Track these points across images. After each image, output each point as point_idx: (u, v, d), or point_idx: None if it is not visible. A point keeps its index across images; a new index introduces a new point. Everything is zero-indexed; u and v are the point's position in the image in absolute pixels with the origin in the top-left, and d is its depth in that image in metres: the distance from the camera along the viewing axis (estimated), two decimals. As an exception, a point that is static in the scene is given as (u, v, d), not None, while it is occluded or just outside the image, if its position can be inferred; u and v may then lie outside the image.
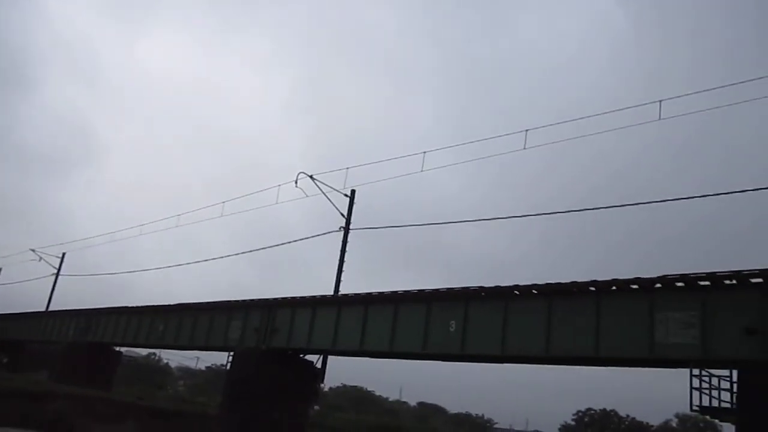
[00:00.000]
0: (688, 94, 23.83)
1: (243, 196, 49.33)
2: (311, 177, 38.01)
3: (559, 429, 70.16)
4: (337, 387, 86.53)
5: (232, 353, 34.04)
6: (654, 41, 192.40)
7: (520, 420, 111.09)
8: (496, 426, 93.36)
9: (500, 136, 30.98)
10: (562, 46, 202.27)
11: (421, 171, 32.73)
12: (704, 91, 23.70)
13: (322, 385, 41.73)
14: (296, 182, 37.89)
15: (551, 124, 27.08)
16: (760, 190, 21.49)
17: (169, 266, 68.97)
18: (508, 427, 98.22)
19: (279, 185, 39.64)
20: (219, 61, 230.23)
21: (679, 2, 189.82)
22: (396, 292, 27.99)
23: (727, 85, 23.17)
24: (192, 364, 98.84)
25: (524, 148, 28.76)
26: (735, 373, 19.01)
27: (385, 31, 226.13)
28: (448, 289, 26.29)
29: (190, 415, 36.69)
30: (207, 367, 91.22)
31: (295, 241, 40.21)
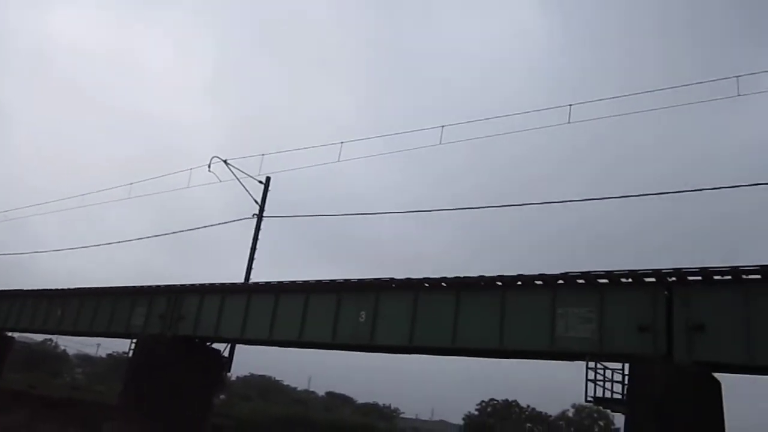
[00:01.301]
0: (594, 100, 24.83)
1: (153, 178, 47.62)
2: (225, 162, 37.18)
3: (463, 419, 72.08)
4: (245, 376, 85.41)
5: (134, 340, 32.85)
6: (570, 48, 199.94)
7: (426, 410, 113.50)
8: (402, 416, 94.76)
9: (418, 130, 31.32)
10: (485, 48, 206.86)
11: (338, 161, 32.64)
12: (613, 97, 24.76)
13: (228, 374, 41.01)
14: (209, 166, 36.97)
15: (468, 122, 27.59)
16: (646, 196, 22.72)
17: (72, 248, 65.29)
18: (414, 417, 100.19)
19: (191, 168, 38.50)
20: (137, 37, 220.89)
21: (592, 17, 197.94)
22: (307, 281, 27.85)
23: (629, 94, 24.31)
24: (92, 351, 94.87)
25: (440, 143, 29.22)
26: (627, 366, 20.10)
27: (314, 21, 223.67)
28: (359, 279, 26.40)
29: (88, 404, 35.19)
30: (108, 355, 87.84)
31: (206, 227, 39.09)
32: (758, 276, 18.47)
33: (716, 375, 19.74)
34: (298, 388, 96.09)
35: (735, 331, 18.47)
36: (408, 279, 24.97)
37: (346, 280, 26.79)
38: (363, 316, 25.85)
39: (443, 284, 24.26)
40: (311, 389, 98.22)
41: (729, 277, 18.93)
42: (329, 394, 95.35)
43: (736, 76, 17.65)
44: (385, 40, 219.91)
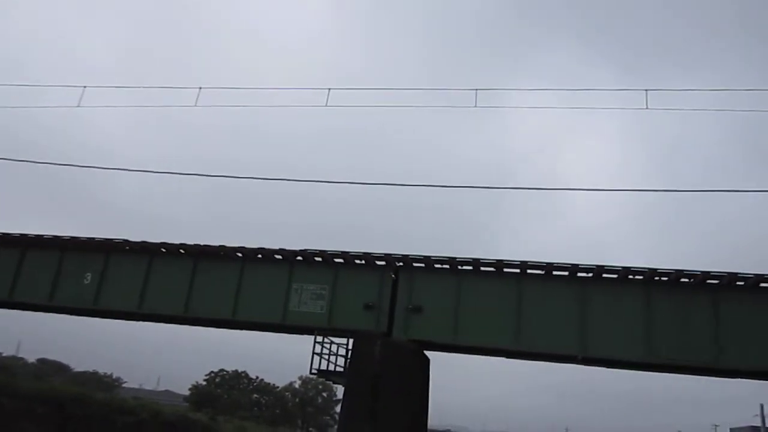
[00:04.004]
0: (353, 88, 25.80)
1: None
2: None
3: (190, 389, 70.54)
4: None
5: None
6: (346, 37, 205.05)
7: (152, 379, 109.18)
8: (125, 385, 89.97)
9: (174, 87, 29.59)
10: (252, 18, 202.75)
11: (78, 106, 29.52)
12: (374, 88, 25.91)
13: None
14: None
15: (226, 87, 26.78)
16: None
17: None
18: (137, 387, 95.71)
19: None
20: None
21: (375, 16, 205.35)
22: (25, 234, 24.85)
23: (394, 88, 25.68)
24: None
25: (195, 105, 27.99)
26: (351, 342, 21.40)
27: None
28: (88, 238, 24.28)
29: None
30: None
31: None
32: (470, 267, 20.92)
33: (427, 352, 21.95)
34: (4, 354, 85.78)
35: (446, 315, 20.70)
36: (143, 242, 23.64)
37: (72, 238, 24.45)
38: (88, 278, 23.93)
39: (181, 251, 23.45)
40: (20, 355, 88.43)
41: (447, 266, 21.14)
42: (41, 360, 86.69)
43: (475, 89, 19.57)
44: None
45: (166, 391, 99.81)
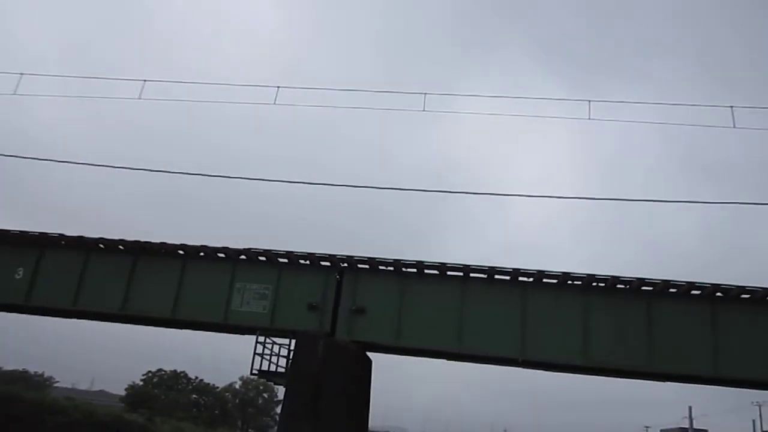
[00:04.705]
0: (302, 87, 25.59)
1: None
2: None
3: (126, 389, 68.65)
4: None
5: None
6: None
7: (86, 379, 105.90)
8: (57, 385, 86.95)
9: (117, 79, 28.77)
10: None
11: (14, 93, 28.37)
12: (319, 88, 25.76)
13: None
14: None
15: (171, 81, 26.19)
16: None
17: None
18: (70, 387, 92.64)
19: None
20: None
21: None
22: (-47, 226, 23.74)
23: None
24: None
25: (139, 98, 27.26)
26: (293, 342, 21.21)
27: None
28: (21, 231, 23.35)
29: None
30: None
31: None
32: (414, 270, 21.05)
33: (370, 354, 21.98)
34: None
35: (390, 317, 20.77)
36: (81, 237, 22.89)
37: (2, 231, 23.48)
38: (20, 272, 23.04)
39: (120, 247, 22.82)
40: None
41: (392, 268, 21.21)
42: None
43: (424, 93, 19.67)
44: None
45: (101, 391, 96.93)
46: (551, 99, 20.41)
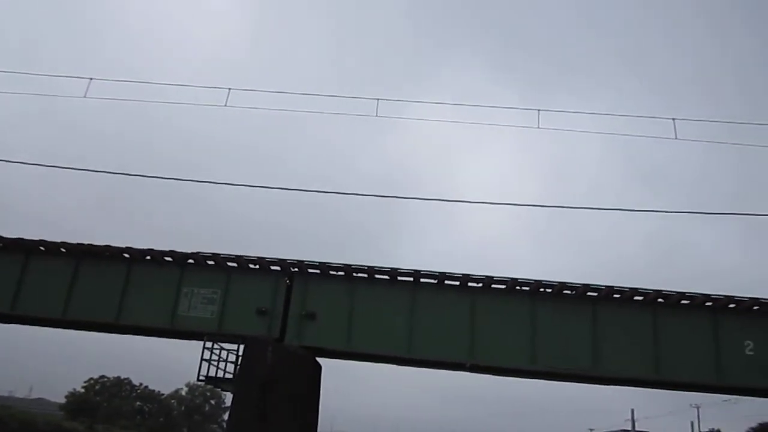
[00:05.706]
0: (255, 89, 25.34)
1: None
2: None
3: (66, 397, 66.62)
4: None
5: None
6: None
7: (24, 387, 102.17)
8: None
9: (65, 76, 27.91)
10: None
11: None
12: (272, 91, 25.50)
13: None
14: None
15: (118, 80, 25.59)
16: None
17: None
18: (7, 395, 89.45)
19: None
20: None
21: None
22: None
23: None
24: None
25: (85, 97, 26.53)
26: (242, 348, 20.92)
27: None
28: (-45, 233, 22.41)
29: None
30: None
31: None
32: (365, 275, 21.03)
33: (320, 359, 21.83)
34: None
35: (340, 322, 20.70)
36: (19, 239, 22.08)
37: (-63, 232, 22.49)
38: (-46, 275, 22.05)
39: (62, 249, 22.11)
40: None
41: (342, 273, 21.15)
42: None
43: (377, 99, 19.74)
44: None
45: (40, 399, 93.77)
46: (502, 107, 20.74)
